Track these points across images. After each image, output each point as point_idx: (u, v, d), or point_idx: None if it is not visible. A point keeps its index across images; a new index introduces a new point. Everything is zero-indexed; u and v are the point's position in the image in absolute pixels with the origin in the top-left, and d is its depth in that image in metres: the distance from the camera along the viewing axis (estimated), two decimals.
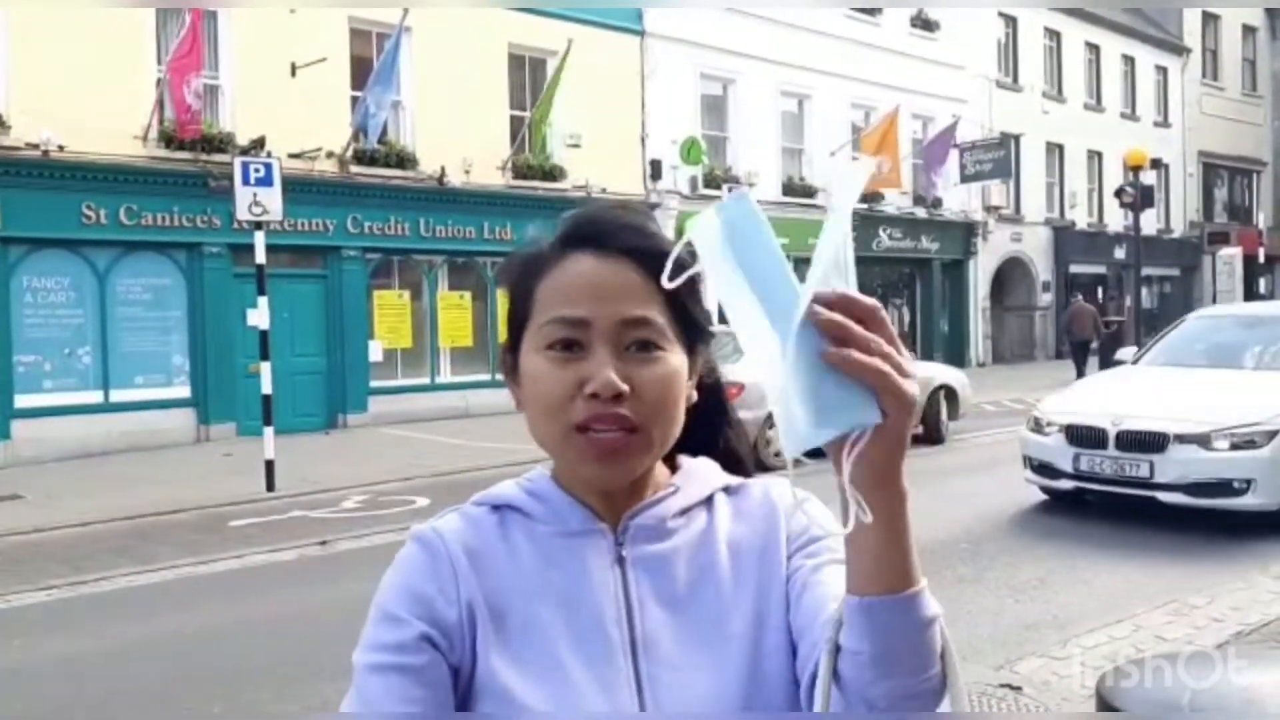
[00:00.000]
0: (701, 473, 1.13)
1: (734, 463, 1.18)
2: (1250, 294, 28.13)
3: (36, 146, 13.54)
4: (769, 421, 9.16)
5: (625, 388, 0.98)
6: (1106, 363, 22.69)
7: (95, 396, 14.40)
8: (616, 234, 1.03)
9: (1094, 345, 23.23)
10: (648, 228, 1.05)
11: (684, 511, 1.08)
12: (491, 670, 1.00)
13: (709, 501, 1.11)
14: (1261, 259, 26.46)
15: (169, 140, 14.63)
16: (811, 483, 1.07)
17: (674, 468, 1.13)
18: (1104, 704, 1.53)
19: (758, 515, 1.10)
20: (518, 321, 1.06)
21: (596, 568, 1.05)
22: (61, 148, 13.70)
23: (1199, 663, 1.50)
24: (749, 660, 1.02)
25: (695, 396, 1.08)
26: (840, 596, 0.91)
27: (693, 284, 1.02)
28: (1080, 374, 22.71)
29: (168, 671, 5.63)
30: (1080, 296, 26.21)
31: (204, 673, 5.57)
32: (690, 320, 1.05)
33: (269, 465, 10.91)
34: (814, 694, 0.93)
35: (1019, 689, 4.88)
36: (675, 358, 1.02)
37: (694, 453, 1.15)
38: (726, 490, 1.13)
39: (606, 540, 1.06)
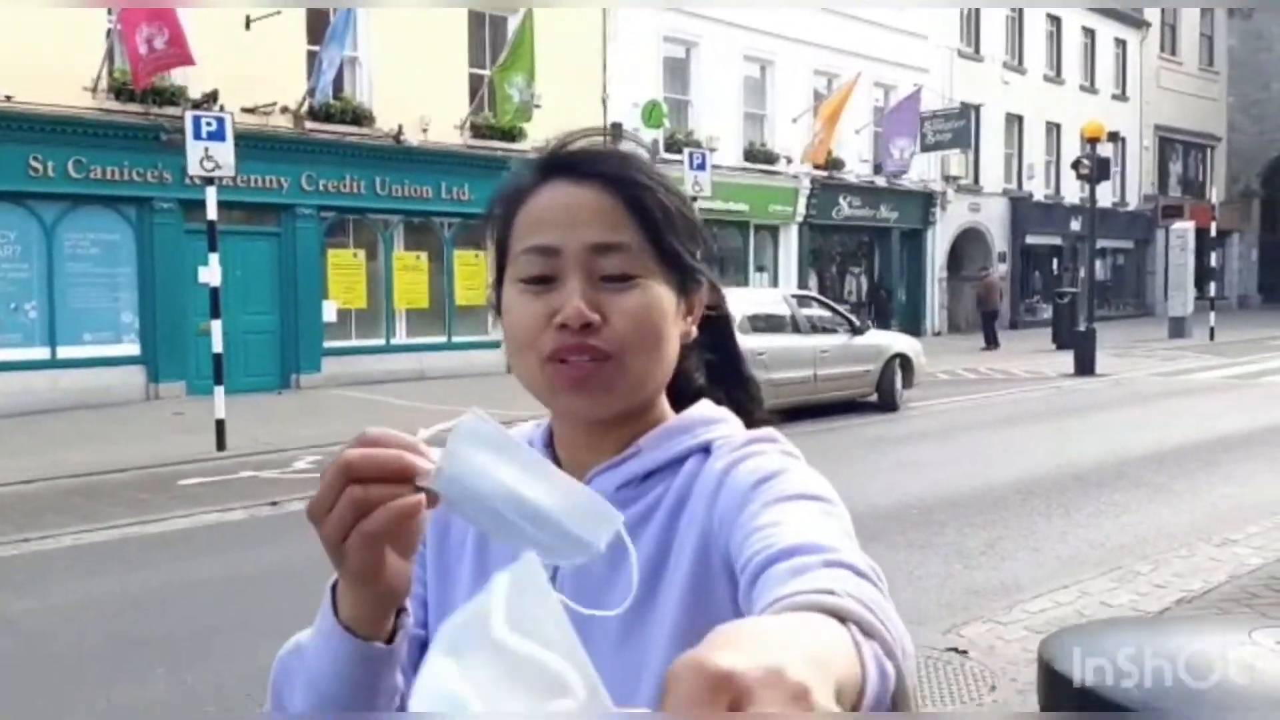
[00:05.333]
0: (688, 428, 1.02)
1: (739, 405, 1.09)
2: (1201, 267, 28.52)
3: None
4: None
5: (595, 317, 0.93)
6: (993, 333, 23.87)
7: (42, 352, 14.14)
8: (593, 160, 0.99)
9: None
10: (628, 156, 1.01)
11: (645, 478, 0.99)
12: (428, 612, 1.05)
13: (681, 464, 1.00)
14: (1213, 233, 26.79)
15: (119, 92, 14.32)
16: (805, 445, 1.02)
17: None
18: (1045, 666, 1.53)
19: (709, 488, 0.96)
20: (501, 255, 1.02)
21: None
22: (9, 98, 13.38)
23: (1141, 626, 1.50)
24: (658, 661, 0.91)
25: (694, 333, 1.03)
26: (781, 532, 0.80)
27: (673, 215, 0.98)
28: (991, 342, 23.40)
29: (113, 631, 5.56)
30: (989, 271, 26.41)
31: (150, 632, 5.50)
32: (674, 256, 0.98)
33: (219, 424, 10.78)
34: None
35: (965, 653, 4.94)
36: (656, 287, 0.97)
37: (696, 396, 1.07)
38: (708, 450, 1.00)
39: None
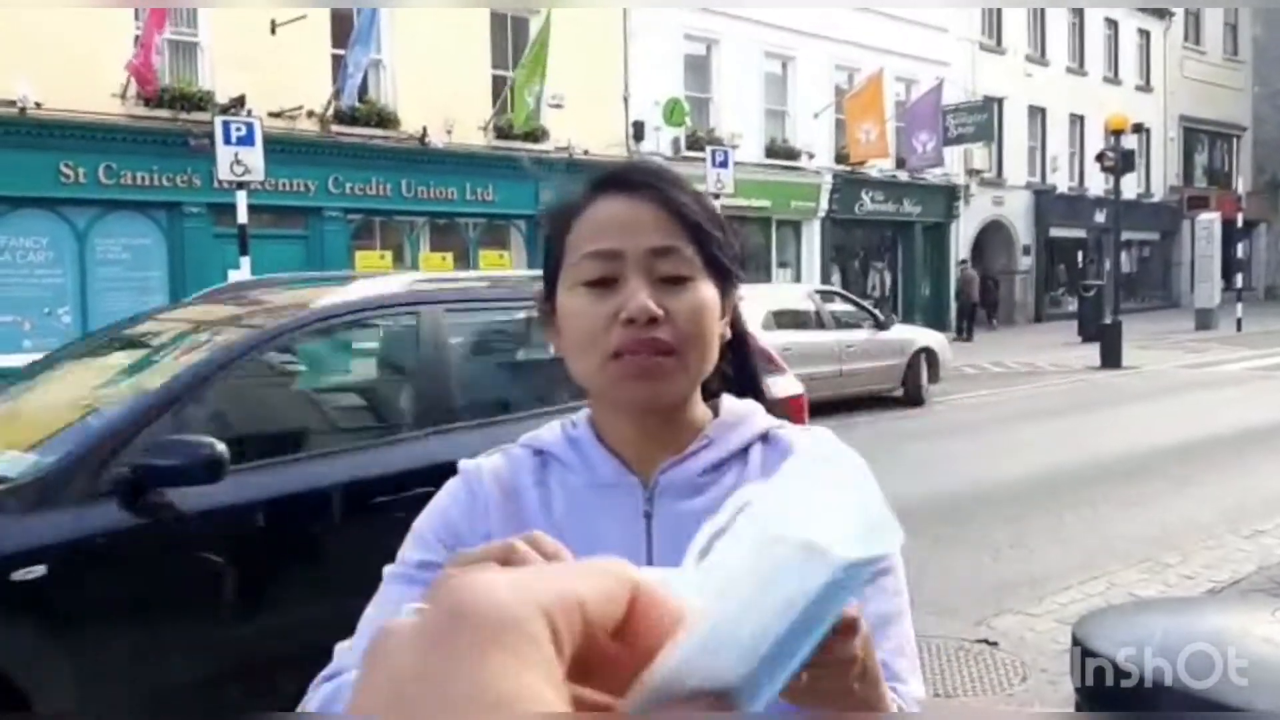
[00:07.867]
0: (740, 420, 1.12)
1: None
2: (1228, 258, 28.34)
3: (13, 103, 13.40)
4: None
5: (660, 312, 1.01)
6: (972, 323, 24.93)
7: None
8: (642, 175, 1.08)
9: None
10: (671, 171, 1.10)
11: (717, 466, 1.08)
12: None
13: (745, 453, 1.10)
14: (1240, 224, 26.58)
15: (147, 98, 14.49)
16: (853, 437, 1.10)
17: (716, 411, 1.13)
18: (1079, 645, 1.60)
19: None
20: (553, 268, 1.10)
21: (623, 520, 1.07)
22: (39, 105, 13.57)
23: (1171, 608, 1.56)
24: None
25: (729, 334, 1.11)
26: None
27: (710, 224, 1.07)
28: (967, 335, 23.95)
29: None
30: (968, 264, 26.61)
31: None
32: (717, 260, 1.07)
33: None
34: None
35: (995, 644, 4.98)
36: (706, 288, 1.05)
37: (716, 393, 1.15)
38: (765, 439, 1.12)
39: (636, 494, 1.08)
